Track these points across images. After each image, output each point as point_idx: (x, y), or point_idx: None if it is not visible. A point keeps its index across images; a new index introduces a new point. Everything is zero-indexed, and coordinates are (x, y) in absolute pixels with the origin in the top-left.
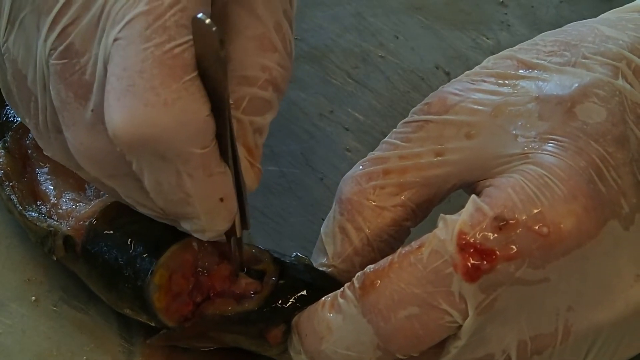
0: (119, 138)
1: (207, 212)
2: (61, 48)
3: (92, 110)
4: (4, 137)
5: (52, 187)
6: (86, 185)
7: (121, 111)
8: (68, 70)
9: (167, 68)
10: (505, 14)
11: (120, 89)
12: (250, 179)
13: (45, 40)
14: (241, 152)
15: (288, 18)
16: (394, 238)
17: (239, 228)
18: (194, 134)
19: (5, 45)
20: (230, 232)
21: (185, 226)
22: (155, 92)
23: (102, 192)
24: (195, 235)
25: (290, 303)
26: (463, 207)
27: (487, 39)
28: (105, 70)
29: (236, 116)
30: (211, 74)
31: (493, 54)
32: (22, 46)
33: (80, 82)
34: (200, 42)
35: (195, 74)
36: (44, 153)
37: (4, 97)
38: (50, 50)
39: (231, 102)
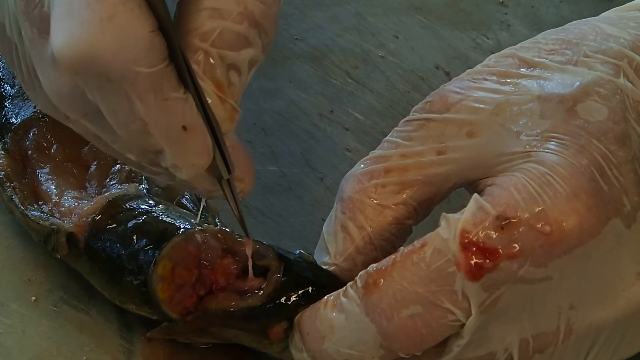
0: (61, 61)
1: (170, 143)
2: None
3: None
4: (4, 138)
5: (53, 187)
6: (87, 184)
7: (61, 34)
8: (30, 5)
9: None
10: (505, 14)
11: (60, 12)
12: (220, 115)
13: None
14: (208, 85)
15: None
16: (395, 236)
17: (223, 169)
18: (136, 51)
19: None
20: (216, 176)
21: (162, 163)
22: (90, 9)
23: (104, 190)
24: (176, 174)
25: (293, 300)
26: (464, 205)
27: (487, 39)
28: None
29: (204, 48)
30: None
31: (493, 54)
32: None
33: (41, 16)
34: None
35: None
36: (35, 105)
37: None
38: None
39: (198, 34)
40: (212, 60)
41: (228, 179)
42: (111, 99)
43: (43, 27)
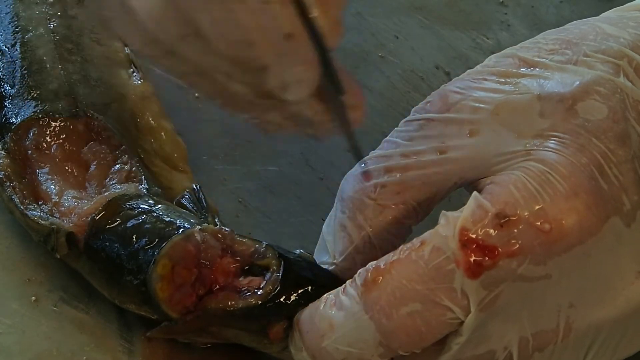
0: None
1: (273, 52)
2: None
3: None
4: (4, 138)
5: (53, 187)
6: (87, 184)
7: None
8: None
9: None
10: (505, 14)
11: None
12: (325, 27)
13: None
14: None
15: None
16: (395, 236)
17: (332, 89)
18: None
19: None
20: (326, 100)
21: (268, 84)
22: None
23: (103, 189)
24: (280, 96)
25: (293, 299)
26: (464, 204)
27: (487, 39)
28: None
29: None
30: None
31: (493, 54)
32: None
33: None
34: None
35: None
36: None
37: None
38: None
39: None
40: None
41: (339, 105)
42: (208, 7)
43: None
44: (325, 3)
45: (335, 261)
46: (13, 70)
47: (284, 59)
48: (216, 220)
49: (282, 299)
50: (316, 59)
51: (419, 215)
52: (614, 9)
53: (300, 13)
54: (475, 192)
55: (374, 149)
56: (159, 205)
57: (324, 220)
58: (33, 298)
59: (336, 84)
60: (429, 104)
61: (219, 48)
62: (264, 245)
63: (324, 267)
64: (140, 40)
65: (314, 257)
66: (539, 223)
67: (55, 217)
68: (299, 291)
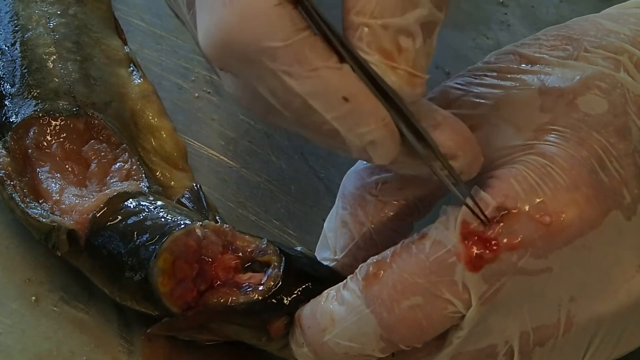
0: (206, 56)
1: (335, 117)
2: None
3: None
4: (4, 137)
5: (53, 185)
6: (87, 182)
7: (199, 27)
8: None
9: None
10: (505, 14)
11: (198, 8)
12: (393, 82)
13: None
14: (373, 57)
15: None
16: (396, 232)
17: (417, 144)
18: (263, 26)
19: None
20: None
21: (344, 145)
22: None
23: (104, 187)
24: (371, 155)
25: (293, 295)
26: None
27: (487, 39)
28: None
29: (363, 22)
30: None
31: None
32: None
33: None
34: None
35: None
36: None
37: None
38: None
39: (354, 12)
40: (375, 32)
41: (440, 159)
42: (263, 80)
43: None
44: (391, 59)
45: (336, 257)
46: (13, 69)
47: (346, 120)
48: (217, 218)
49: (282, 295)
50: (386, 115)
51: (420, 211)
52: (615, 6)
53: (360, 71)
54: (475, 186)
55: None
56: (160, 203)
57: (324, 220)
58: (33, 298)
59: (419, 137)
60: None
61: (285, 112)
62: (264, 242)
63: (325, 263)
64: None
65: (315, 254)
66: (539, 216)
67: (56, 215)
68: (300, 287)
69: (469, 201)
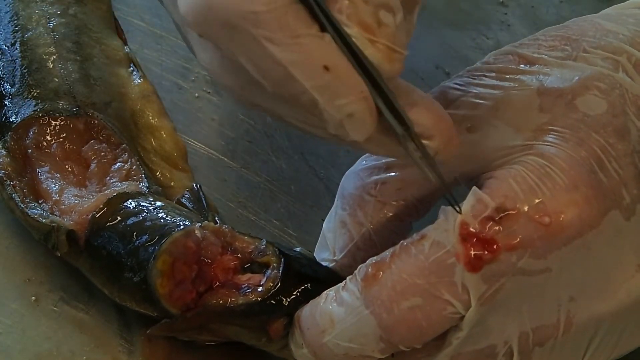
0: (188, 23)
1: (315, 86)
2: None
3: None
4: (4, 137)
5: (53, 185)
6: (87, 182)
7: None
8: None
9: None
10: (505, 14)
11: None
12: (373, 55)
13: None
14: (353, 30)
15: None
16: (395, 233)
17: (395, 122)
18: None
19: None
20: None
21: (320, 120)
22: None
23: (104, 188)
24: (340, 135)
25: (293, 296)
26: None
27: (487, 39)
28: None
29: None
30: None
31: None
32: None
33: None
34: None
35: None
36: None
37: None
38: None
39: None
40: (355, 5)
41: (414, 139)
42: (244, 48)
43: None
44: (371, 33)
45: (335, 258)
46: (13, 69)
47: (326, 90)
48: (216, 218)
49: (282, 296)
50: (364, 89)
51: (419, 211)
52: (614, 6)
53: (343, 46)
54: (474, 187)
55: None
56: (160, 203)
57: (324, 220)
58: (33, 298)
59: (397, 115)
60: None
61: (265, 83)
62: (264, 243)
63: (325, 264)
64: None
65: (315, 254)
66: (538, 216)
67: (55, 215)
68: (299, 288)
69: (447, 208)
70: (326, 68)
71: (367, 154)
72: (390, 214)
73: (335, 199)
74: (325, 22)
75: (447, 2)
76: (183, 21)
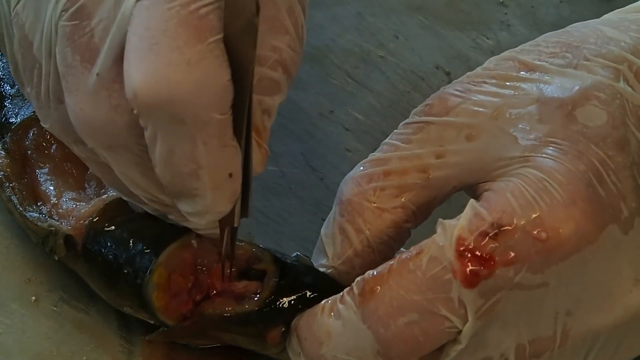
0: (138, 98)
1: (214, 188)
2: (73, 9)
3: (96, 75)
4: (4, 138)
5: (52, 188)
6: (86, 184)
7: (143, 70)
8: (77, 32)
9: (192, 28)
10: (505, 14)
11: (142, 48)
12: (257, 160)
13: (57, 2)
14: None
15: (301, 3)
16: (394, 240)
17: (238, 216)
18: (214, 98)
19: (15, 9)
20: (226, 221)
21: (185, 207)
22: (179, 52)
23: (102, 191)
24: (192, 219)
25: (290, 304)
26: (464, 207)
27: (487, 39)
28: (120, 33)
29: None
30: (236, 41)
31: (493, 54)
32: (32, 10)
33: (88, 45)
34: (231, 7)
35: (220, 36)
36: (42, 125)
37: (11, 71)
38: (62, 11)
39: None
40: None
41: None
42: (175, 140)
43: (88, 56)
44: (260, 137)
45: (333, 264)
46: None
47: (220, 193)
48: None
49: (278, 304)
50: (239, 191)
51: (418, 218)
52: (616, 10)
53: (245, 151)
54: (472, 200)
55: (373, 150)
56: None
57: (324, 220)
58: (33, 298)
59: (244, 208)
60: (428, 107)
61: (163, 170)
62: (260, 250)
63: (322, 270)
64: (52, 125)
65: (312, 259)
66: (535, 232)
67: (53, 218)
68: (296, 296)
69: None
70: (230, 175)
71: (365, 160)
72: (389, 221)
73: (334, 205)
74: (244, 129)
75: (447, 2)
76: (130, 94)
